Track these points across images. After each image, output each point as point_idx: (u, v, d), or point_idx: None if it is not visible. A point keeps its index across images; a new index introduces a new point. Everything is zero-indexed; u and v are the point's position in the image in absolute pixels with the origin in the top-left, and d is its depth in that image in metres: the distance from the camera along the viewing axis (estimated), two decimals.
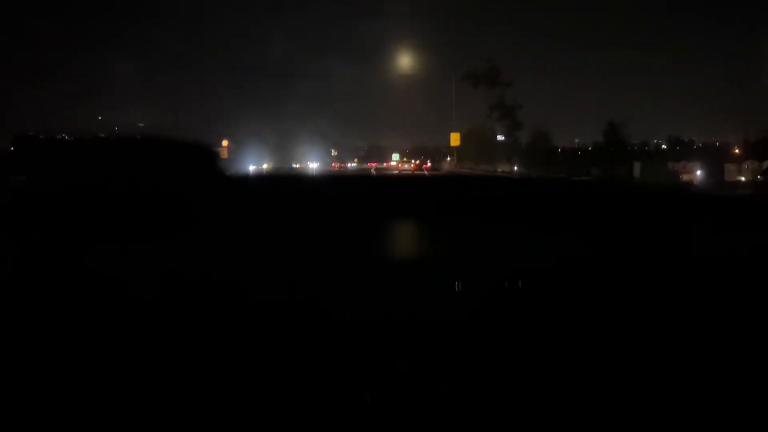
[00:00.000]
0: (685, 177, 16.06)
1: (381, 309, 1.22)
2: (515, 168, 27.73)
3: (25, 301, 1.24)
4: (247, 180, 4.24)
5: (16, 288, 1.30)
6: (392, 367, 1.03)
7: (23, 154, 2.19)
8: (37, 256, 1.48)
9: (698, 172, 15.06)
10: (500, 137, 33.74)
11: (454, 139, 33.40)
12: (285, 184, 3.18)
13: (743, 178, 13.95)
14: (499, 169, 26.45)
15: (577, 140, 34.09)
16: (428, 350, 1.08)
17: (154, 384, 0.96)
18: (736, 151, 18.07)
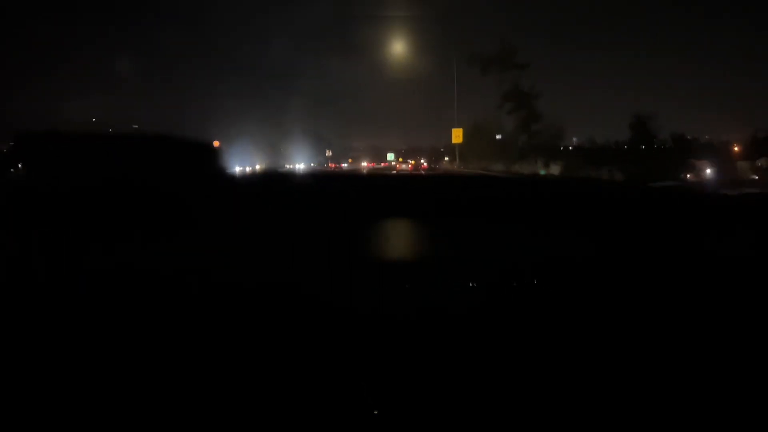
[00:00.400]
0: (689, 176, 15.51)
1: (383, 306, 1.25)
2: (543, 171, 22.67)
3: (24, 301, 1.25)
4: (247, 179, 4.23)
5: (14, 288, 1.31)
6: (396, 364, 1.05)
7: (24, 153, 2.17)
8: (35, 255, 1.48)
9: (708, 171, 14.65)
10: (498, 136, 29.47)
11: (456, 135, 27.57)
12: (285, 184, 3.16)
13: (756, 177, 13.64)
14: (542, 171, 21.55)
15: (574, 138, 32.69)
16: (432, 348, 1.10)
17: (152, 383, 0.98)
18: (735, 149, 17.81)
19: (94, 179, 2.08)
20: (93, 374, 1.02)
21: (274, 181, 3.54)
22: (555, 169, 22.24)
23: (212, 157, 3.78)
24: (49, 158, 2.12)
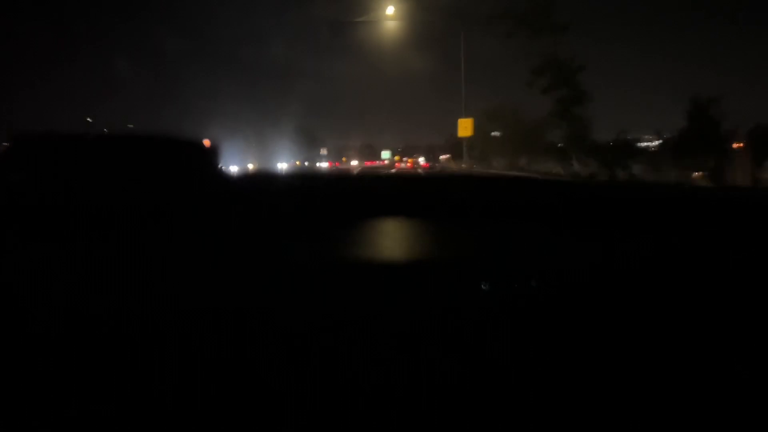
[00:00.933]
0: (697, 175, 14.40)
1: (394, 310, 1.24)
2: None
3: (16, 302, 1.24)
4: (248, 181, 4.22)
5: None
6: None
7: (22, 154, 2.17)
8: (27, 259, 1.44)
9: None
10: (495, 133, 25.23)
11: (464, 127, 21.15)
12: (284, 186, 3.14)
13: None
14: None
15: None
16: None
17: (149, 386, 1.00)
18: (734, 145, 16.96)
19: (92, 181, 2.04)
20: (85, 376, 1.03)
21: (272, 183, 3.53)
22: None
23: (211, 157, 3.78)
24: (46, 159, 2.07)
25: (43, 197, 1.85)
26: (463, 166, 23.30)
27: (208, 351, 1.10)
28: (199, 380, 1.03)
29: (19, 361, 1.07)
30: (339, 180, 4.31)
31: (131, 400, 0.99)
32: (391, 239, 1.82)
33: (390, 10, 20.89)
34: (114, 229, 1.64)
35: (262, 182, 3.67)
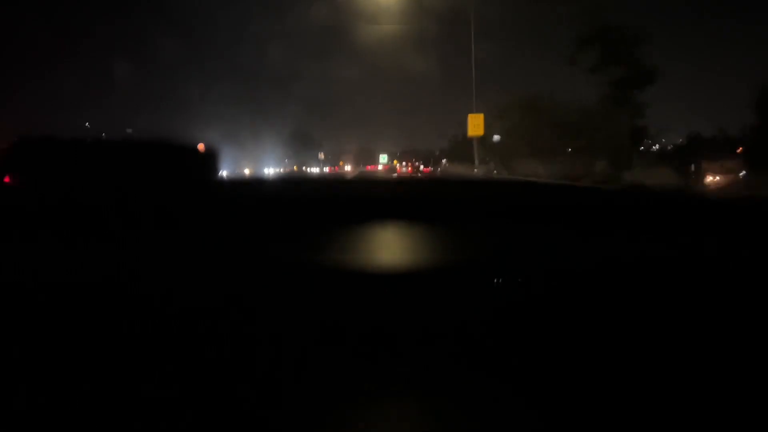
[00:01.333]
0: (710, 178, 12.62)
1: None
2: None
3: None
4: (251, 185, 4.26)
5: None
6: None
7: (24, 158, 2.19)
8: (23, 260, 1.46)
9: (743, 173, 12.39)
10: (496, 137, 19.44)
11: (475, 124, 17.38)
12: (287, 189, 3.16)
13: None
14: None
15: None
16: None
17: (142, 385, 1.00)
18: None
19: (90, 185, 2.08)
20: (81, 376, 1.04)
21: (277, 187, 3.56)
22: None
23: (208, 161, 3.83)
24: (46, 163, 2.08)
25: (43, 199, 1.87)
26: (476, 171, 19.02)
27: (204, 352, 1.11)
28: (194, 380, 1.04)
29: (17, 361, 1.07)
30: (339, 184, 4.30)
31: (127, 399, 0.99)
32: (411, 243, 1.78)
33: None
34: (110, 231, 1.66)
35: (259, 186, 3.69)
